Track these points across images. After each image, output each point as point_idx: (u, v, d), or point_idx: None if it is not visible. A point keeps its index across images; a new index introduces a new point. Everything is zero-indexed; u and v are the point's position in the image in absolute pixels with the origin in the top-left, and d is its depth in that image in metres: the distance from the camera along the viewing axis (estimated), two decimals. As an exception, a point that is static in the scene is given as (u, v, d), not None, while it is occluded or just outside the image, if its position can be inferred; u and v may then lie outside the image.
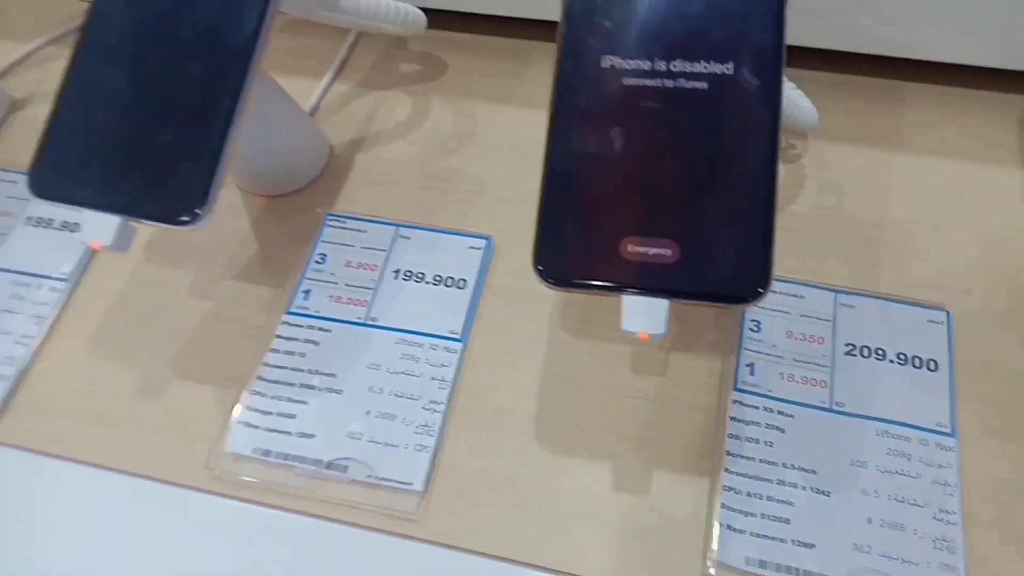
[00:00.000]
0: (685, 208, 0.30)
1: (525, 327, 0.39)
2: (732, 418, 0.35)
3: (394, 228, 0.43)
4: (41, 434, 0.38)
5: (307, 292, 0.41)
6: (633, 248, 0.30)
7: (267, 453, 0.36)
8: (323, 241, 0.42)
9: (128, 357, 0.40)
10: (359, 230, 0.43)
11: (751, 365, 0.37)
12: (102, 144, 0.33)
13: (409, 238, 0.42)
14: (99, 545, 0.36)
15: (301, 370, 0.38)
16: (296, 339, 0.39)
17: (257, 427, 0.37)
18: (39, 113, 0.49)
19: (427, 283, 0.41)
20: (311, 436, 0.36)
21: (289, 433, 0.36)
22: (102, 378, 0.40)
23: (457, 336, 0.39)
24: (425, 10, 0.43)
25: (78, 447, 0.38)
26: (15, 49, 0.53)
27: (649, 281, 0.29)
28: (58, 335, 0.41)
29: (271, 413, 0.37)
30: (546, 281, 0.30)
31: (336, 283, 0.41)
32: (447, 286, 0.40)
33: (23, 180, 0.46)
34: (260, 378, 0.38)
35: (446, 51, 0.51)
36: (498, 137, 0.47)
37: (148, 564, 0.35)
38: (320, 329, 0.39)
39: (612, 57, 0.32)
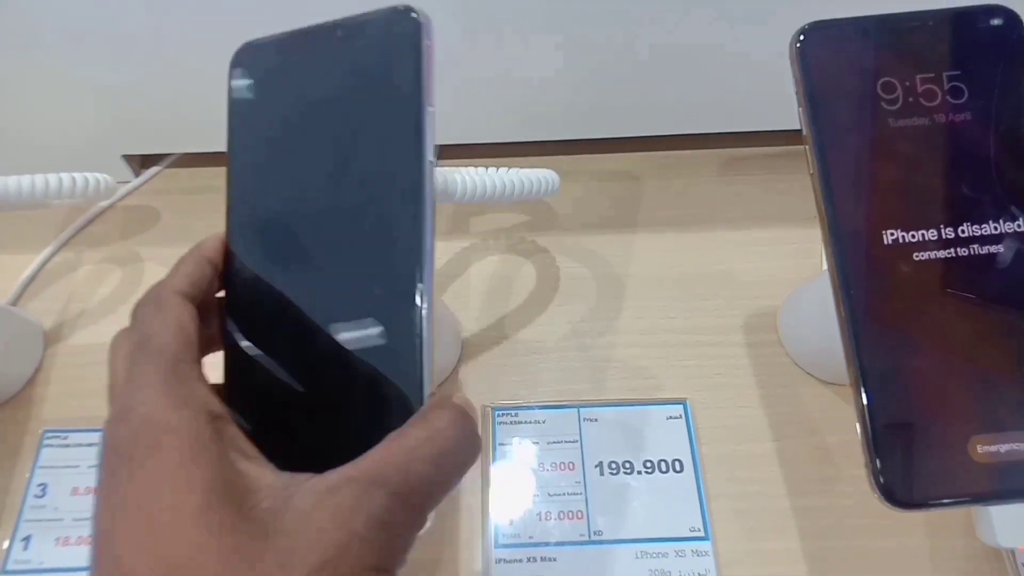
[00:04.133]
0: None
1: (763, 500, 0.36)
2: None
3: (575, 411, 0.38)
4: None
5: (513, 520, 0.35)
6: (984, 449, 0.26)
7: None
8: (500, 444, 0.37)
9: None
10: (536, 421, 0.38)
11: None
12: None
13: (596, 420, 0.37)
14: None
15: (544, 618, 0.33)
16: (522, 579, 0.34)
17: None
18: (80, 344, 0.41)
19: (638, 473, 0.36)
20: None
21: None
22: None
23: (701, 534, 0.34)
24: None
25: None
26: (22, 263, 0.44)
27: (1017, 485, 0.26)
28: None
29: None
30: (895, 506, 0.26)
31: (537, 494, 0.36)
32: (662, 471, 0.36)
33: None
34: (502, 640, 0.32)
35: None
36: (629, 275, 0.42)
37: None
38: (543, 559, 0.34)
39: (894, 231, 0.28)
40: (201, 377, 0.20)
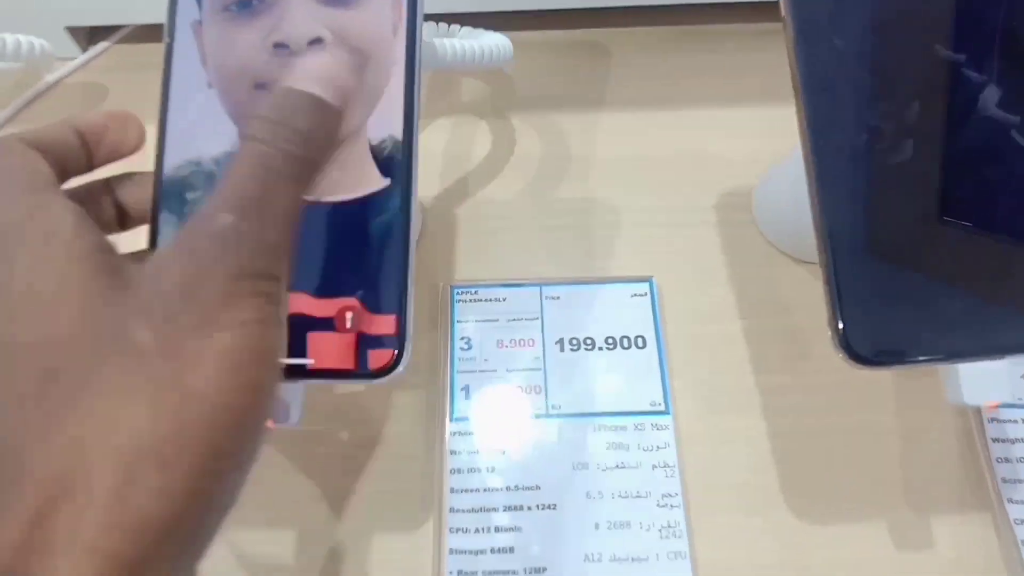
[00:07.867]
0: None
1: (727, 378, 0.34)
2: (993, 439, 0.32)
3: (537, 289, 0.36)
4: None
5: (466, 389, 0.34)
6: (950, 307, 0.25)
7: (498, 603, 0.30)
8: (458, 321, 0.36)
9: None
10: (496, 299, 0.36)
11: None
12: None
13: (558, 298, 0.36)
14: None
15: (498, 489, 0.32)
16: (476, 451, 0.33)
17: (475, 573, 0.31)
18: None
19: (600, 349, 0.35)
20: (542, 571, 0.31)
21: (516, 573, 0.31)
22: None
23: (661, 408, 0.33)
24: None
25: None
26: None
27: (984, 342, 0.25)
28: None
29: (484, 551, 0.31)
30: (859, 363, 0.25)
31: (495, 371, 0.34)
32: (624, 348, 0.35)
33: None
34: (454, 510, 0.32)
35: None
36: (598, 154, 0.40)
37: None
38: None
39: (873, 98, 0.26)
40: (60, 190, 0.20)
